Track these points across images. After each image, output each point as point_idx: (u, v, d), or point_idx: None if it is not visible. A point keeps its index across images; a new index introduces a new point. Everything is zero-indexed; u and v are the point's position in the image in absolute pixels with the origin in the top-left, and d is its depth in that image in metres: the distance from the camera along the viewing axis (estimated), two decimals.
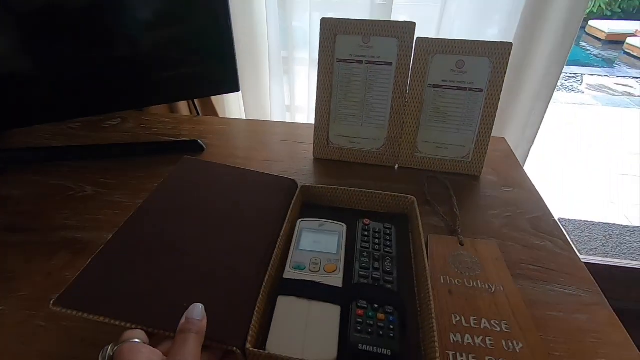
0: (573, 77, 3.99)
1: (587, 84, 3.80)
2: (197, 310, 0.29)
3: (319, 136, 0.62)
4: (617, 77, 4.06)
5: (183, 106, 0.90)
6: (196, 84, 0.68)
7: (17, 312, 0.37)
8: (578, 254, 0.44)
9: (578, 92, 3.57)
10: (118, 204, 0.52)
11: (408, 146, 0.59)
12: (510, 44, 0.52)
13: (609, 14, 6.15)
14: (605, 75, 4.09)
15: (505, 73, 0.53)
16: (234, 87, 0.68)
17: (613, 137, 2.78)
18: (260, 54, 0.93)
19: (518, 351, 0.33)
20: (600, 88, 3.69)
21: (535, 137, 0.92)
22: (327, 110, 0.60)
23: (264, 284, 0.34)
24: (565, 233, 0.47)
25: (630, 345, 0.34)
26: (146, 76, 0.63)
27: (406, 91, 0.57)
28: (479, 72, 0.54)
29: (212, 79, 0.68)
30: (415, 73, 0.56)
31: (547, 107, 0.89)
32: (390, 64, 0.56)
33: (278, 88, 0.97)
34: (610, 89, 3.69)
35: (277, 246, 0.38)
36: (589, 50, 5.24)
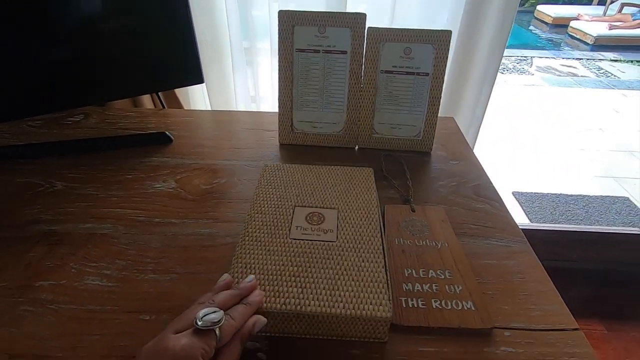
0: (524, 59, 4.23)
1: (537, 66, 4.05)
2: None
3: (283, 123, 0.65)
4: (563, 58, 4.36)
5: (147, 100, 0.90)
6: (159, 77, 0.69)
7: (2, 300, 0.39)
8: (510, 213, 0.52)
9: (528, 74, 3.81)
10: (91, 196, 0.54)
11: (366, 128, 0.65)
12: (450, 32, 0.58)
13: None
14: (552, 57, 4.37)
15: (447, 57, 0.59)
16: (197, 78, 0.70)
17: (559, 115, 3.00)
18: (222, 45, 0.95)
19: (458, 292, 0.39)
20: (547, 69, 3.95)
21: (483, 115, 1.01)
22: (290, 97, 0.64)
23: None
24: (500, 197, 0.55)
25: (548, 281, 0.42)
26: (106, 70, 0.64)
27: (361, 77, 0.62)
28: (424, 58, 0.60)
29: (174, 71, 0.69)
30: (369, 60, 0.61)
31: (492, 87, 0.97)
32: (345, 52, 0.61)
33: (242, 79, 0.99)
34: (556, 70, 3.96)
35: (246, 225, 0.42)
36: (537, 34, 5.55)
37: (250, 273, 0.36)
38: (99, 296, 0.40)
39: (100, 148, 0.64)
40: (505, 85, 3.37)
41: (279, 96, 0.64)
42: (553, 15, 5.69)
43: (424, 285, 0.40)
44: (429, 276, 0.41)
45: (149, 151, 0.64)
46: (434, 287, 0.40)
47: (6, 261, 0.44)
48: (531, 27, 5.86)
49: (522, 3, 6.63)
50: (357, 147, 0.66)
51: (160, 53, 0.66)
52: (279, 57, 0.62)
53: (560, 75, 3.80)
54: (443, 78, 0.60)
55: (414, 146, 0.65)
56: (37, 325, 0.37)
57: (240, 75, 0.98)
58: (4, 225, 0.49)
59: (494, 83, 0.97)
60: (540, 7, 6.07)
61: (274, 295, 0.34)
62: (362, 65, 0.61)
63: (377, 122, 0.64)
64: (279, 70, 0.62)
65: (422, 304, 0.38)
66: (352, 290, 0.35)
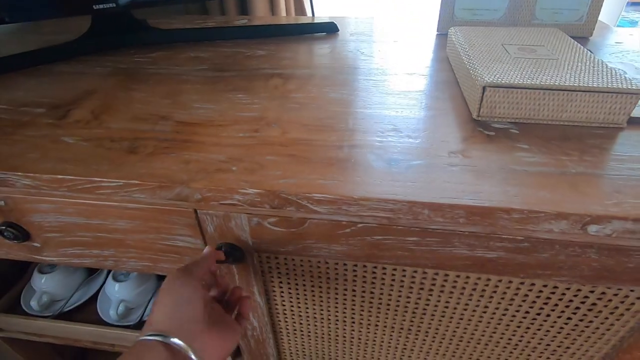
0: None
1: None
2: None
3: (444, 11, 0.71)
4: None
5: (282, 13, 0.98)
6: None
7: (274, 101, 0.48)
8: None
9: None
10: (291, 57, 0.63)
11: (526, 14, 0.68)
12: None
13: None
14: None
15: None
16: None
17: None
18: None
19: None
20: None
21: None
22: None
23: None
24: None
25: None
26: None
27: None
28: None
29: None
30: None
31: None
32: None
33: None
34: None
35: None
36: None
37: (491, 70, 0.42)
38: (338, 102, 0.48)
39: (279, 33, 0.73)
40: None
41: None
42: None
43: None
44: None
45: (318, 37, 0.72)
46: None
47: (257, 84, 0.53)
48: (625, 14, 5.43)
49: None
50: None
51: None
52: None
53: None
54: None
55: (574, 31, 0.68)
56: (298, 115, 0.46)
57: None
58: (238, 70, 0.58)
59: None
60: None
61: (527, 78, 0.40)
62: None
63: (539, 7, 0.68)
64: None
65: None
66: (597, 79, 0.40)
